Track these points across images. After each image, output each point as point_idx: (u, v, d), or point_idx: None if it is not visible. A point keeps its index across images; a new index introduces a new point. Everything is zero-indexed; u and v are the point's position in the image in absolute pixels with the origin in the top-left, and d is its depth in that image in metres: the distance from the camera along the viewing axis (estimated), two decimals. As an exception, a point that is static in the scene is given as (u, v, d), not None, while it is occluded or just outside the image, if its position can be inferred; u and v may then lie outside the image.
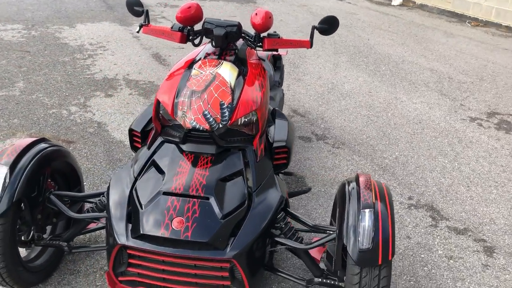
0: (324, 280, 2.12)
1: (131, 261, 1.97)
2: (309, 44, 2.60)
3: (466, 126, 4.48)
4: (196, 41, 2.59)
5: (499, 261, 2.73)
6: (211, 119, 2.17)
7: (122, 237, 1.95)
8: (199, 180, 2.07)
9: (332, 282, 2.10)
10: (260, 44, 2.57)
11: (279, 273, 2.22)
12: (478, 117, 4.70)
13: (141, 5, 2.66)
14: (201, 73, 2.32)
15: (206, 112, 2.17)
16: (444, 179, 3.54)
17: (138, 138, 2.47)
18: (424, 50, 6.99)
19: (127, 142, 3.76)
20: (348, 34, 7.62)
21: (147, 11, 2.63)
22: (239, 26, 2.46)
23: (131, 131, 2.49)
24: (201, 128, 2.16)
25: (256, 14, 2.50)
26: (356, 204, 1.92)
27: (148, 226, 1.93)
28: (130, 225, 1.98)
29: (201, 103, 2.19)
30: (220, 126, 2.18)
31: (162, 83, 2.39)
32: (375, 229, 1.83)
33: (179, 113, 2.20)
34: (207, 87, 2.25)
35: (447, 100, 5.12)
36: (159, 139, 2.30)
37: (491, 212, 3.18)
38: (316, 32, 2.62)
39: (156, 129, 2.34)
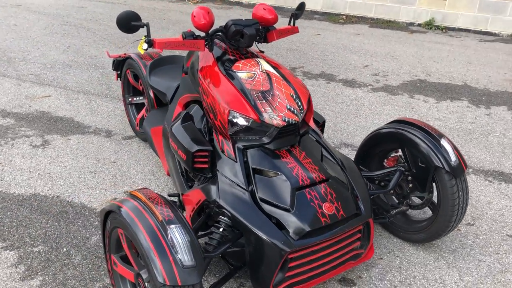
0: (396, 210, 2.62)
1: (291, 264, 1.99)
2: (298, 29, 2.81)
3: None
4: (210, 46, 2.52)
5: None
6: (295, 111, 2.25)
7: (287, 245, 1.95)
8: (312, 167, 2.20)
9: (400, 209, 2.62)
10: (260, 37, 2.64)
11: None
12: (315, 77, 5.59)
13: (140, 19, 2.36)
14: (254, 74, 2.33)
15: (289, 107, 2.25)
16: (335, 113, 4.25)
17: (204, 157, 2.27)
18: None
19: (46, 193, 3.01)
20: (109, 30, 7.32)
21: (148, 24, 2.37)
22: (259, 23, 2.51)
23: (194, 152, 2.25)
24: (293, 122, 2.21)
25: (264, 9, 2.57)
26: (428, 136, 2.41)
27: (308, 222, 2.01)
28: (284, 232, 1.99)
29: (279, 100, 2.26)
30: (302, 115, 2.30)
31: (216, 96, 2.28)
32: (452, 148, 2.40)
33: (265, 115, 2.20)
34: (272, 85, 2.31)
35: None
36: (238, 148, 2.23)
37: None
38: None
39: (232, 139, 2.26)
